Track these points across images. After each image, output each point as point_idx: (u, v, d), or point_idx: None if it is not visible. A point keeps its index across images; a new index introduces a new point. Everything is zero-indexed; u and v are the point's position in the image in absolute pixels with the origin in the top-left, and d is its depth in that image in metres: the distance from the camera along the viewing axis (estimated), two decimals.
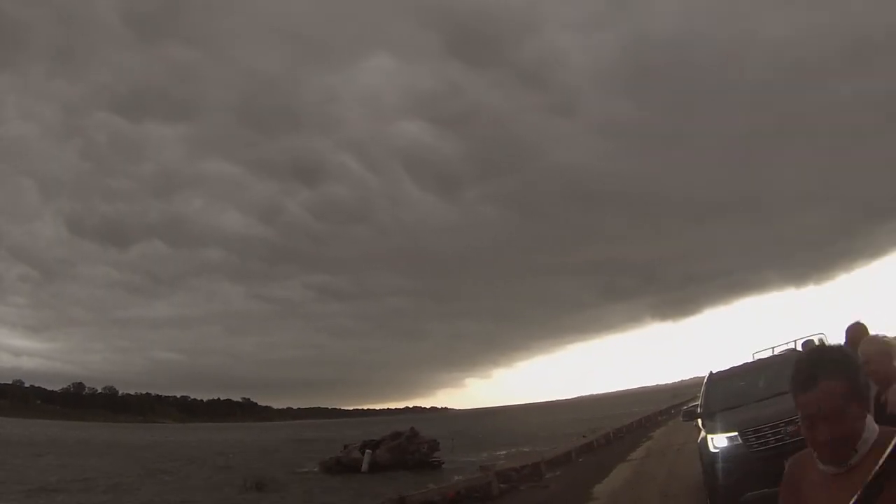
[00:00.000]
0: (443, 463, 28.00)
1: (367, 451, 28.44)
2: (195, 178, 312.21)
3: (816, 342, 13.41)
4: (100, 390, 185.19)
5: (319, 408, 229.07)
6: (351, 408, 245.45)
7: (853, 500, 1.40)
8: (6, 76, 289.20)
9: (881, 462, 1.39)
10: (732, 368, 9.50)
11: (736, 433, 7.26)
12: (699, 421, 8.63)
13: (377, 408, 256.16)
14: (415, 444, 28.39)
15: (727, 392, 8.68)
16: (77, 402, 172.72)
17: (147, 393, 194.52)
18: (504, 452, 31.22)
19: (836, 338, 13.96)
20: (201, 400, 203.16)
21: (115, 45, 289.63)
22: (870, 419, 1.65)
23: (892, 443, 1.38)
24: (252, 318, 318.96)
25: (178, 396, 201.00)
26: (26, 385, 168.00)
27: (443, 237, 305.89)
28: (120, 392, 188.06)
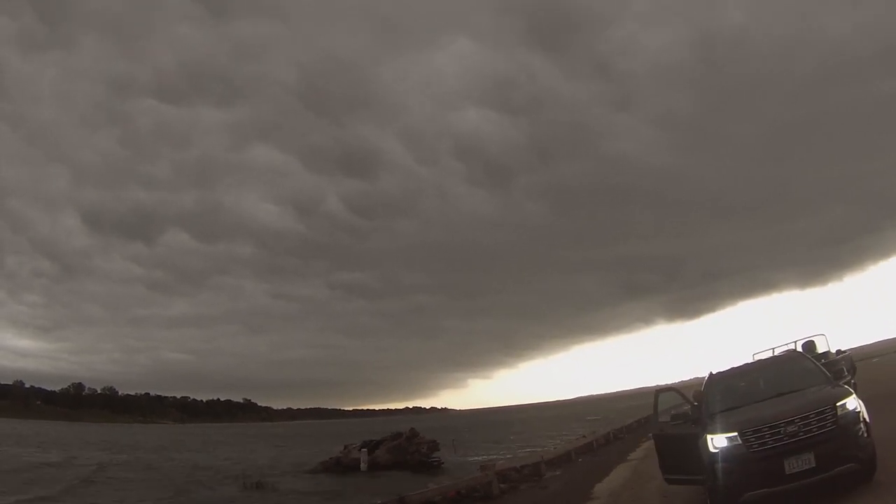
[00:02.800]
0: (443, 463, 28.02)
1: (363, 450, 28.46)
2: (238, 166, 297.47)
3: (816, 343, 13.44)
4: (99, 391, 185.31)
5: (319, 408, 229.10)
6: (351, 408, 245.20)
7: None
8: (52, 53, 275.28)
9: None
10: (732, 369, 9.51)
11: (736, 433, 7.26)
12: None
13: (377, 408, 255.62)
14: (414, 445, 28.41)
15: (727, 392, 8.69)
16: (77, 402, 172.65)
17: (147, 393, 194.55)
18: (504, 452, 31.24)
19: (836, 339, 13.90)
20: (201, 400, 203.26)
21: (180, 20, 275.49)
22: None
23: None
24: (273, 317, 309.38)
25: (178, 397, 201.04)
26: (27, 386, 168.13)
27: (482, 232, 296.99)
28: (120, 392, 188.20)
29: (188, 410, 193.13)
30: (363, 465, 27.44)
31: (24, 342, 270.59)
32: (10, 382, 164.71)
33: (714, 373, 9.37)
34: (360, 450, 29.14)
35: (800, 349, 12.54)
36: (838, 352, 13.43)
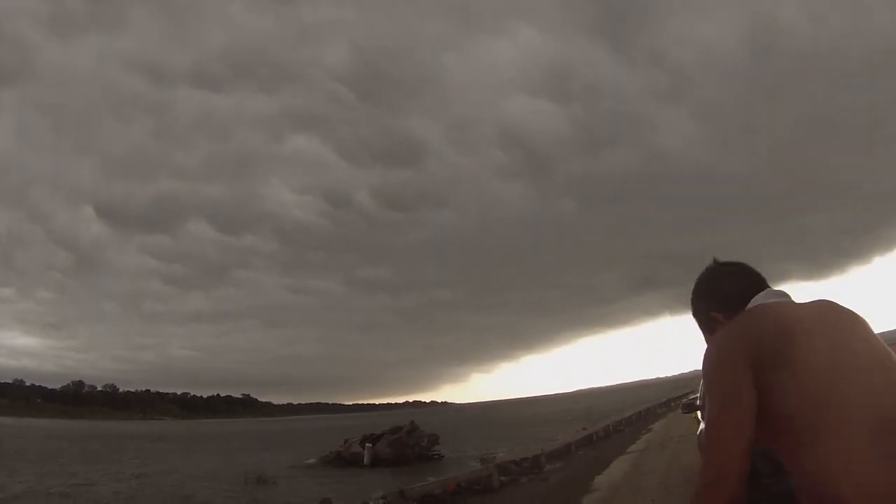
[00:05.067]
0: (443, 456, 28.06)
1: (368, 445, 28.48)
2: (274, 156, 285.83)
3: None
4: (99, 388, 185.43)
5: (319, 403, 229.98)
6: (350, 403, 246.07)
7: None
8: (94, 35, 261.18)
9: None
10: None
11: None
12: (698, 413, 8.65)
13: (377, 402, 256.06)
14: (415, 438, 28.44)
15: None
16: (77, 400, 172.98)
17: (147, 390, 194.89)
18: (504, 445, 31.29)
19: None
20: (201, 396, 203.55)
21: (239, 5, 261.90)
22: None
23: None
24: (291, 311, 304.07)
25: (179, 393, 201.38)
26: (27, 384, 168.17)
27: (514, 228, 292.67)
28: (120, 389, 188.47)
29: (188, 406, 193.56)
30: (366, 460, 27.45)
31: (32, 340, 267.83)
32: (10, 381, 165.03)
33: None
34: (360, 444, 29.18)
35: None
36: None
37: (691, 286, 1.88)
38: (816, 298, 1.71)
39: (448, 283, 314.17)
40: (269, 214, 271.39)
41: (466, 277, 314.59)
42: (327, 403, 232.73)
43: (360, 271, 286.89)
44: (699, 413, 8.64)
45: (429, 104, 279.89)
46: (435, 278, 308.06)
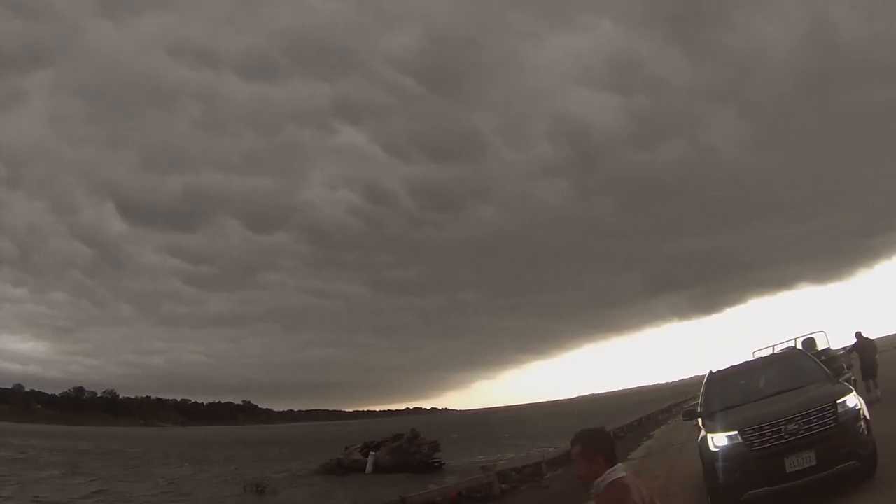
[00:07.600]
0: (444, 464, 27.97)
1: (372, 453, 28.35)
2: (325, 150, 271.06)
3: (816, 340, 13.44)
4: (100, 394, 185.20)
5: (320, 410, 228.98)
6: (351, 409, 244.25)
7: None
8: (149, 16, 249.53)
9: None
10: (732, 367, 9.50)
11: (736, 432, 7.25)
12: (699, 420, 8.63)
13: (377, 409, 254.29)
14: (415, 446, 28.34)
15: (727, 391, 8.69)
16: (77, 405, 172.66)
17: (147, 396, 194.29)
18: (505, 453, 31.20)
19: (836, 336, 13.91)
20: (201, 403, 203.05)
21: None
22: (614, 468, 2.87)
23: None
24: (313, 315, 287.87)
25: (179, 400, 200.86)
26: (26, 389, 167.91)
27: (548, 228, 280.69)
28: (120, 395, 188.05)
29: (189, 413, 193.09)
30: (369, 468, 27.34)
31: (41, 344, 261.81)
32: (10, 386, 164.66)
33: (714, 371, 9.36)
34: (361, 451, 29.08)
35: (800, 346, 12.54)
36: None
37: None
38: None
39: (475, 284, 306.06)
40: (305, 211, 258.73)
41: (494, 279, 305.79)
42: (328, 410, 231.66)
43: (392, 272, 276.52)
44: (700, 420, 8.62)
45: (496, 97, 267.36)
46: (465, 279, 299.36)
